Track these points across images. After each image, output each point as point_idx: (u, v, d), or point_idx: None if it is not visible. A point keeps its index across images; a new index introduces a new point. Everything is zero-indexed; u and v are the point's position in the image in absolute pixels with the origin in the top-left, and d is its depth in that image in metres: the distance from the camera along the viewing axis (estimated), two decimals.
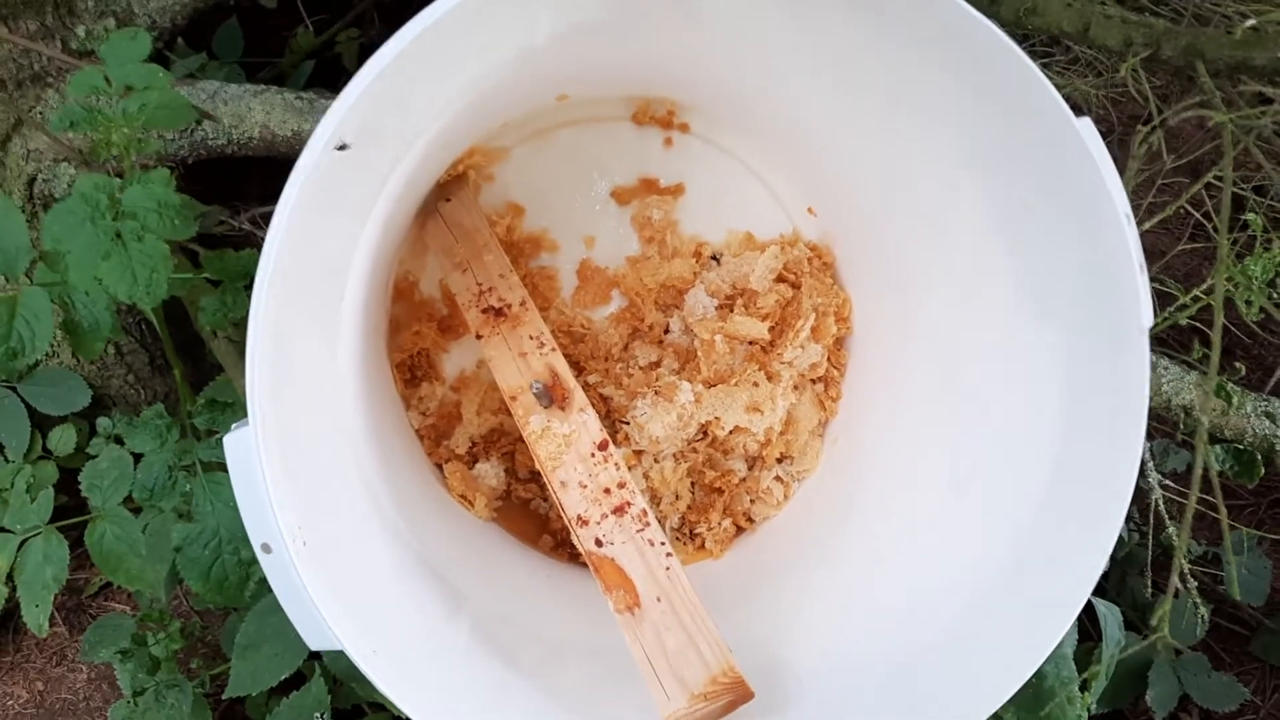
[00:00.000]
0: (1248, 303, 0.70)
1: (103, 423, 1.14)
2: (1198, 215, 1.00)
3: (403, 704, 0.56)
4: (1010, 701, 0.74)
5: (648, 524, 0.74)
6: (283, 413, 0.57)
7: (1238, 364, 0.87)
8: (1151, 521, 1.07)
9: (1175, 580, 0.77)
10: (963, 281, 0.76)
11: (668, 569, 0.72)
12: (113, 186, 0.66)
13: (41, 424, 1.14)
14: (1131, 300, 0.60)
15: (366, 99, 0.54)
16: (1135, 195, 1.08)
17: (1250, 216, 0.71)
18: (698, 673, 0.67)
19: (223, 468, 0.80)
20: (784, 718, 0.67)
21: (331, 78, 1.50)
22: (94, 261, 0.63)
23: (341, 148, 0.54)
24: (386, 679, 0.56)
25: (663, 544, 0.73)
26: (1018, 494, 0.71)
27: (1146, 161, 1.02)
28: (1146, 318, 0.60)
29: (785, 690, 0.69)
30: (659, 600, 0.70)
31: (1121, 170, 0.61)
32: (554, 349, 0.82)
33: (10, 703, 1.10)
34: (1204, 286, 0.79)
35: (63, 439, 1.13)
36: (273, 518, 0.54)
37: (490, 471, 0.90)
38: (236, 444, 0.55)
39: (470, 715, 0.61)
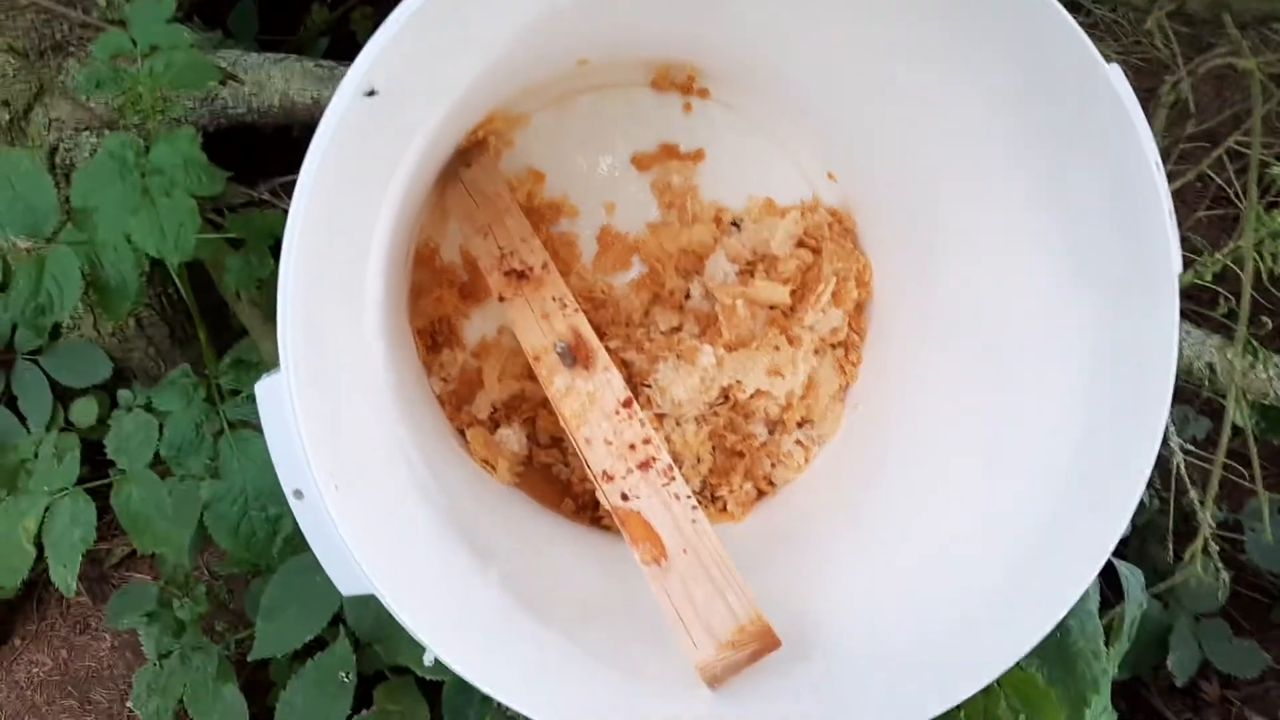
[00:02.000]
0: (1274, 255, 0.70)
1: (124, 394, 1.14)
2: (1219, 180, 1.00)
3: (438, 648, 0.56)
4: (1039, 659, 0.75)
5: (673, 479, 0.74)
6: (314, 363, 0.58)
7: (1263, 318, 0.87)
8: (1173, 488, 1.07)
9: (1206, 524, 0.76)
10: (990, 241, 0.76)
11: (694, 522, 0.72)
12: (139, 144, 0.66)
13: (63, 396, 1.15)
14: (1161, 248, 0.60)
15: (396, 45, 0.54)
16: None
17: (1275, 170, 0.71)
18: (725, 622, 0.68)
19: (249, 426, 0.81)
20: (810, 666, 0.67)
21: (346, 55, 1.50)
22: (123, 217, 0.63)
23: (370, 94, 0.54)
24: (419, 622, 0.56)
25: (688, 498, 0.74)
26: (1045, 453, 0.71)
27: (1168, 126, 1.01)
28: (1176, 265, 0.60)
29: (810, 642, 0.69)
30: (685, 552, 0.71)
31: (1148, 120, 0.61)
32: (576, 310, 0.83)
33: (36, 670, 1.11)
34: (1231, 245, 0.79)
35: (84, 411, 1.14)
36: (305, 461, 0.54)
37: (512, 436, 0.90)
38: (268, 391, 0.56)
39: (503, 663, 0.61)
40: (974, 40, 0.66)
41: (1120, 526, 0.62)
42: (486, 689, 0.57)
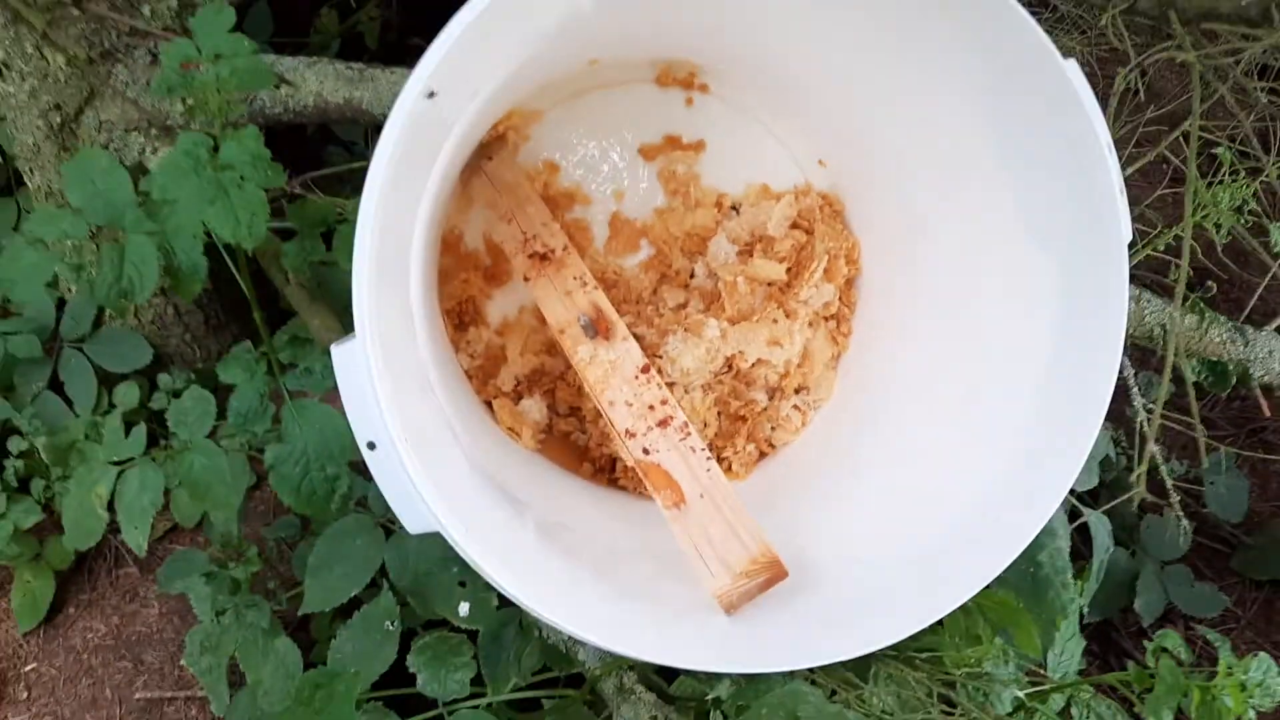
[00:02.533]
0: (1217, 226, 0.79)
1: (163, 379, 1.23)
2: (1176, 161, 1.09)
3: (496, 576, 0.64)
4: (1014, 588, 0.84)
5: (689, 434, 0.83)
6: (379, 333, 0.66)
7: (1210, 282, 0.96)
8: (1138, 446, 1.16)
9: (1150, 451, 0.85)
10: (967, 218, 0.85)
11: (708, 470, 0.81)
12: (210, 142, 0.74)
13: (105, 381, 1.23)
14: (1113, 220, 0.69)
15: (455, 50, 0.62)
16: (1118, 146, 1.17)
17: (1220, 150, 0.80)
18: (739, 555, 0.77)
19: (306, 395, 0.89)
20: (815, 594, 0.76)
21: (355, 56, 1.58)
22: (201, 207, 0.71)
23: (431, 95, 0.63)
24: (484, 558, 0.65)
25: (703, 450, 0.83)
26: (1016, 404, 0.80)
27: (1132, 112, 1.11)
28: (1126, 234, 0.69)
29: (811, 575, 0.79)
30: (702, 497, 0.80)
31: (1102, 105, 0.70)
32: (596, 287, 0.91)
33: (90, 636, 1.19)
34: (1187, 220, 0.88)
35: (127, 394, 1.22)
36: (379, 415, 0.63)
37: (534, 407, 0.99)
38: (344, 354, 0.64)
39: (553, 596, 0.70)
40: (946, 39, 0.75)
41: (1078, 463, 0.72)
42: (539, 610, 0.65)
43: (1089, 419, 0.71)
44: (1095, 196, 0.69)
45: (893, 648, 0.70)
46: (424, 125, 0.67)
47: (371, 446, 0.65)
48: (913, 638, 0.69)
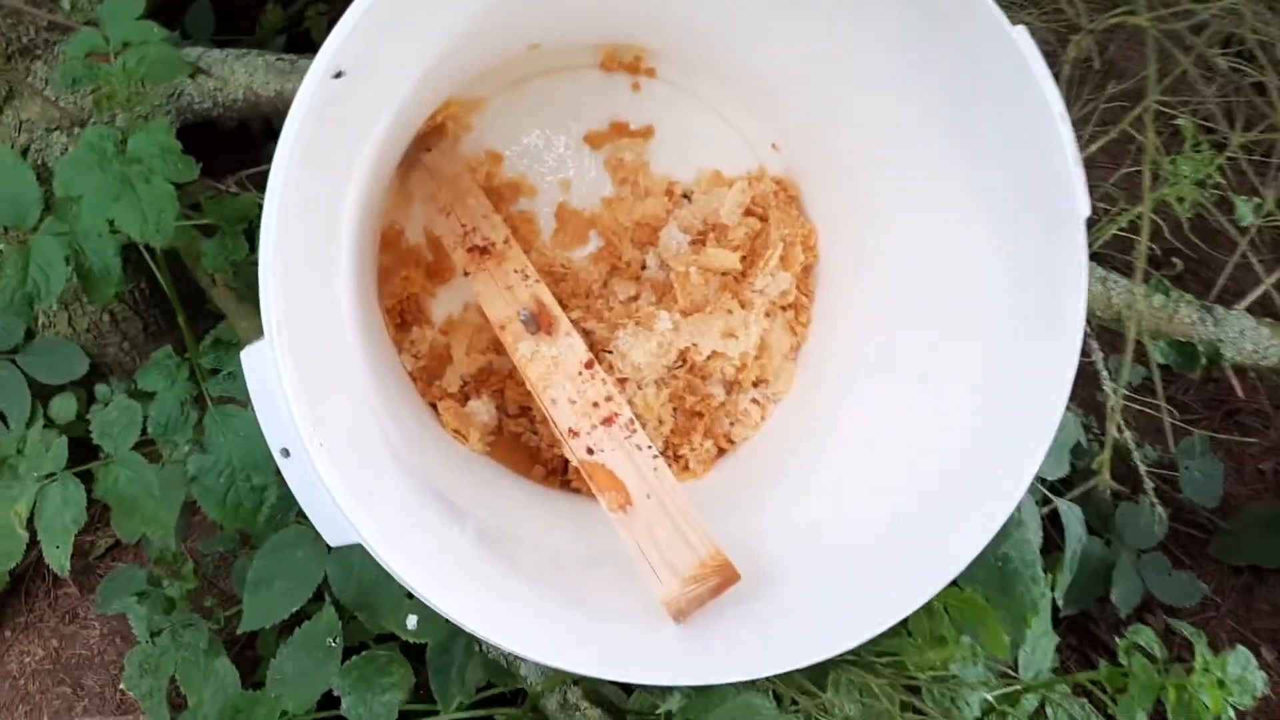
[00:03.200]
0: (1180, 200, 0.76)
1: (101, 389, 1.17)
2: (1140, 138, 1.06)
3: (423, 590, 0.60)
4: (981, 584, 0.80)
5: (634, 431, 0.79)
6: (293, 331, 0.62)
7: (1175, 260, 0.93)
8: (1109, 432, 1.13)
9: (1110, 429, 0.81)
10: (919, 196, 0.81)
11: (655, 469, 0.77)
12: (117, 136, 0.70)
13: (40, 393, 1.18)
14: (1068, 192, 0.65)
15: (362, 27, 0.58)
16: (1079, 125, 1.14)
17: (1182, 123, 0.77)
18: (687, 559, 0.73)
19: (232, 402, 0.84)
20: (771, 598, 0.72)
21: (302, 51, 1.54)
22: (106, 204, 0.67)
23: (338, 75, 0.59)
24: (406, 569, 0.61)
25: (649, 448, 0.79)
26: (973, 389, 0.76)
27: (1094, 90, 1.07)
28: (1083, 208, 0.66)
29: (768, 577, 0.75)
30: (648, 497, 0.76)
31: (1057, 78, 0.66)
32: (537, 280, 0.87)
33: (28, 659, 1.14)
34: (1150, 197, 0.85)
35: (63, 407, 1.17)
36: (290, 419, 0.59)
37: (482, 408, 0.95)
38: (253, 357, 0.60)
39: (481, 607, 0.66)
40: (897, 12, 0.72)
41: (1041, 449, 0.68)
42: (464, 623, 0.61)
43: (1050, 402, 0.67)
44: (1049, 169, 0.66)
45: (852, 652, 0.66)
46: (335, 108, 0.63)
47: (286, 453, 0.61)
48: (873, 641, 0.65)
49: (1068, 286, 0.66)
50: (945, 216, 0.78)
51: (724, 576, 0.72)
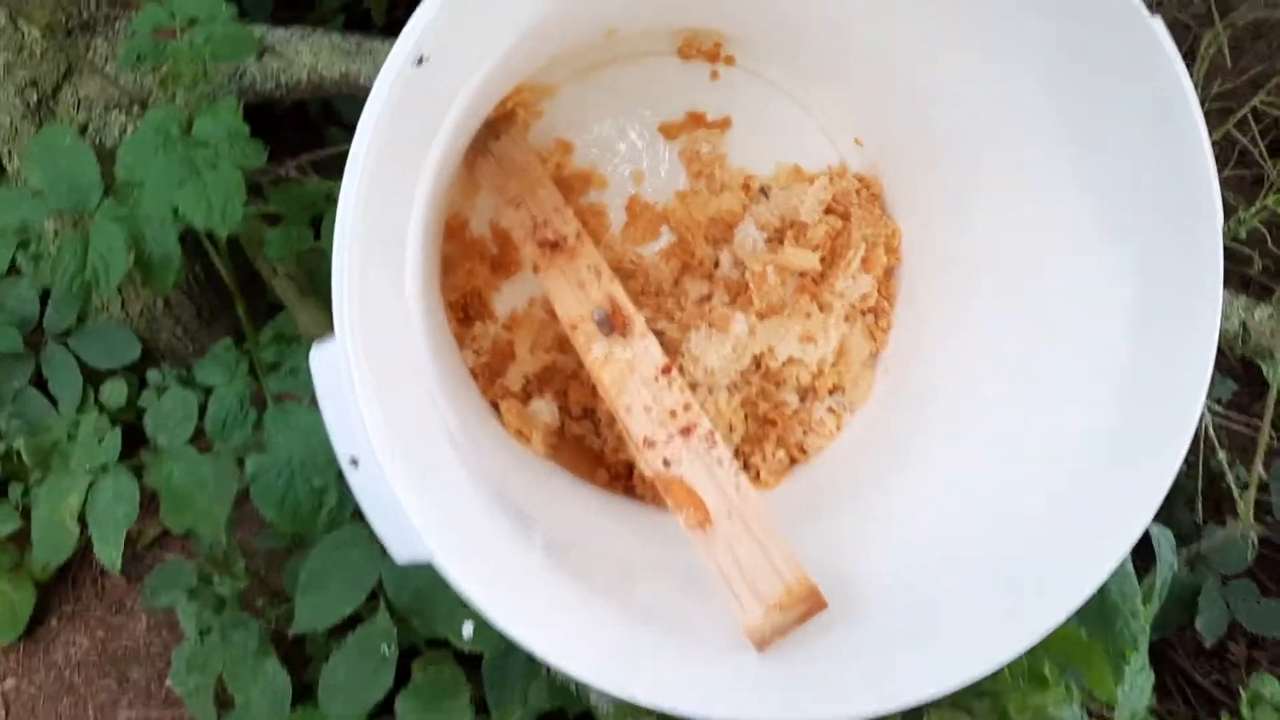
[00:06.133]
0: None
1: (153, 375, 1.15)
2: (1243, 141, 1.00)
3: (488, 610, 0.56)
4: (1080, 618, 0.75)
5: (715, 443, 0.75)
6: (366, 332, 0.58)
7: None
8: (1201, 451, 1.07)
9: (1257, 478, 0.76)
10: (1027, 201, 0.76)
11: (738, 486, 0.73)
12: (183, 117, 0.66)
13: (92, 378, 1.16)
14: (1207, 204, 0.60)
15: (444, 13, 0.54)
16: None
17: None
18: (773, 584, 0.68)
19: (292, 398, 0.81)
20: (855, 627, 0.68)
21: (362, 29, 1.50)
22: (170, 190, 0.63)
23: (420, 61, 0.55)
24: (471, 585, 0.57)
25: (731, 462, 0.74)
26: (1085, 410, 0.71)
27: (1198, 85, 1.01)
28: (1219, 218, 0.60)
29: (853, 604, 0.70)
30: (730, 516, 0.71)
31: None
32: (612, 278, 0.83)
33: (73, 650, 1.12)
34: (1259, 203, 0.79)
35: (114, 392, 1.14)
36: (362, 429, 0.55)
37: (544, 408, 0.91)
38: (323, 358, 0.56)
39: (551, 625, 0.62)
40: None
41: (1163, 485, 0.63)
42: (534, 649, 0.57)
43: (1179, 427, 0.62)
44: (1185, 174, 0.60)
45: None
46: (416, 96, 0.59)
47: (354, 463, 0.57)
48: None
49: (1201, 305, 0.60)
50: (1058, 225, 0.72)
51: (810, 604, 0.68)
